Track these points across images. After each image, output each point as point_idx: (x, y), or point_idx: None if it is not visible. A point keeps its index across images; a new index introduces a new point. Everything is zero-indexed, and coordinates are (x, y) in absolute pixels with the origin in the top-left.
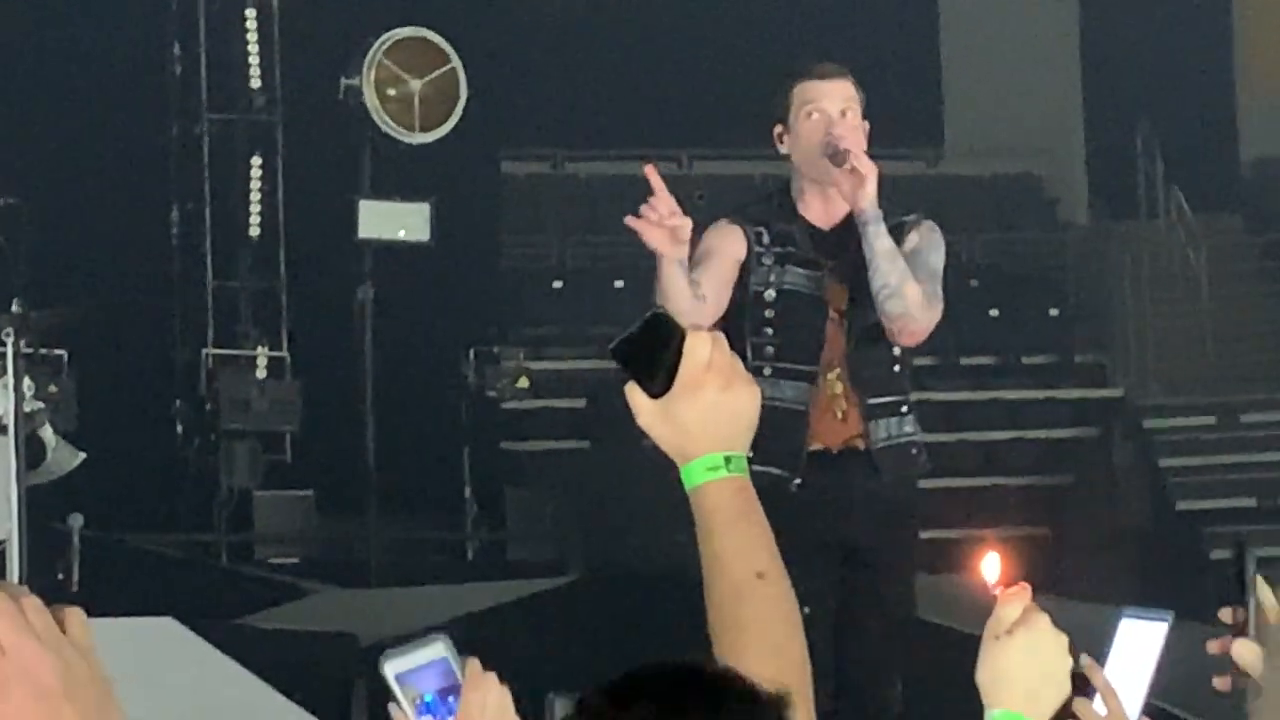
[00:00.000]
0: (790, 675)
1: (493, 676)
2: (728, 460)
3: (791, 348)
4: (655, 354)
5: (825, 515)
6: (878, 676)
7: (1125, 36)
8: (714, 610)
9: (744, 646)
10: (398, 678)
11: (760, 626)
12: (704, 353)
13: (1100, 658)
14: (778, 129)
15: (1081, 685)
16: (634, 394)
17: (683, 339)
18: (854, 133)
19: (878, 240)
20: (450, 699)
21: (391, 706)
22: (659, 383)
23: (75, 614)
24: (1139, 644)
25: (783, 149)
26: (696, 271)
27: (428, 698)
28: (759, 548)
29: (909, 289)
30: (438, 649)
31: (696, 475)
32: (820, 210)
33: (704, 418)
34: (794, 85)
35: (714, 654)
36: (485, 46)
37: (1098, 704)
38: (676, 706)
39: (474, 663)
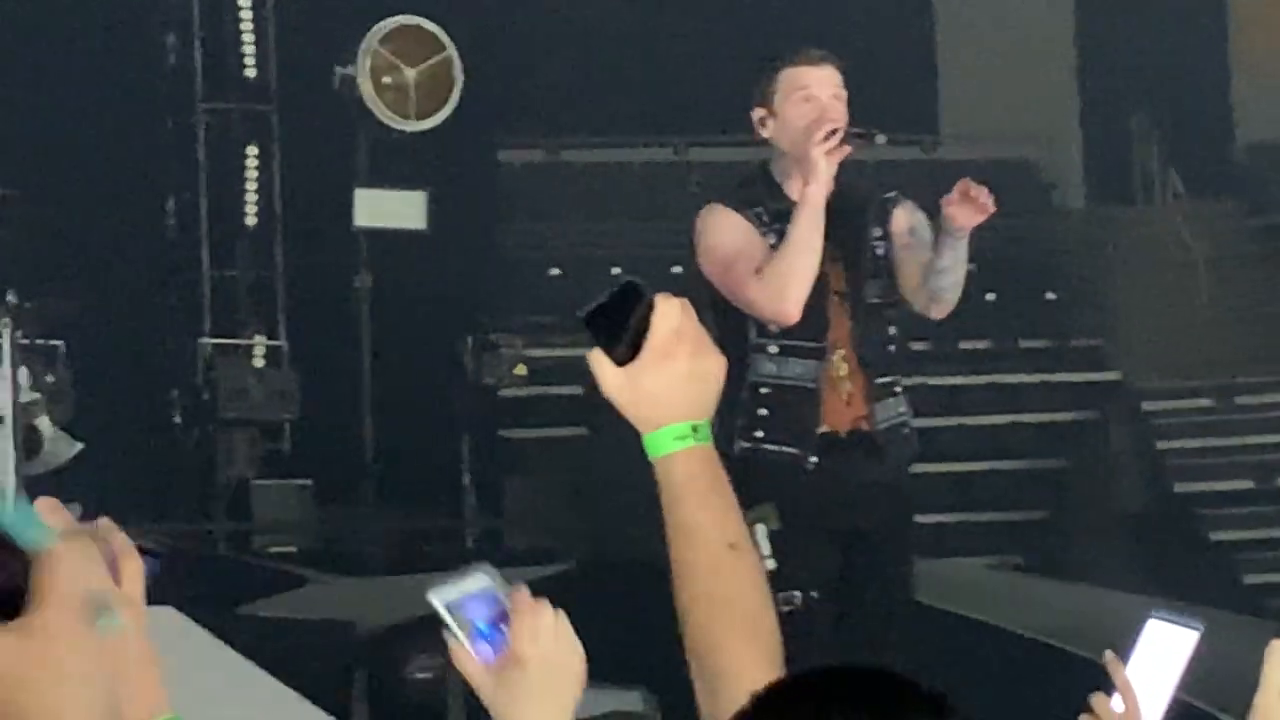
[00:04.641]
0: (767, 645)
1: (543, 604)
2: (695, 429)
3: (797, 325)
4: (623, 321)
5: (834, 501)
6: (877, 658)
7: (1121, 21)
8: (685, 582)
9: (720, 618)
10: (447, 607)
11: (736, 598)
12: (675, 319)
13: (1124, 655)
14: (760, 113)
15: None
16: (599, 362)
17: (651, 307)
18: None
19: (954, 264)
20: (503, 626)
21: (446, 635)
22: (624, 350)
23: (133, 563)
24: (1165, 648)
25: (765, 133)
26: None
27: (481, 626)
28: (730, 519)
29: (962, 271)
30: (482, 580)
31: (664, 444)
32: None
33: (673, 385)
34: (781, 70)
35: (687, 627)
36: (480, 34)
37: (1115, 701)
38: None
39: (521, 590)
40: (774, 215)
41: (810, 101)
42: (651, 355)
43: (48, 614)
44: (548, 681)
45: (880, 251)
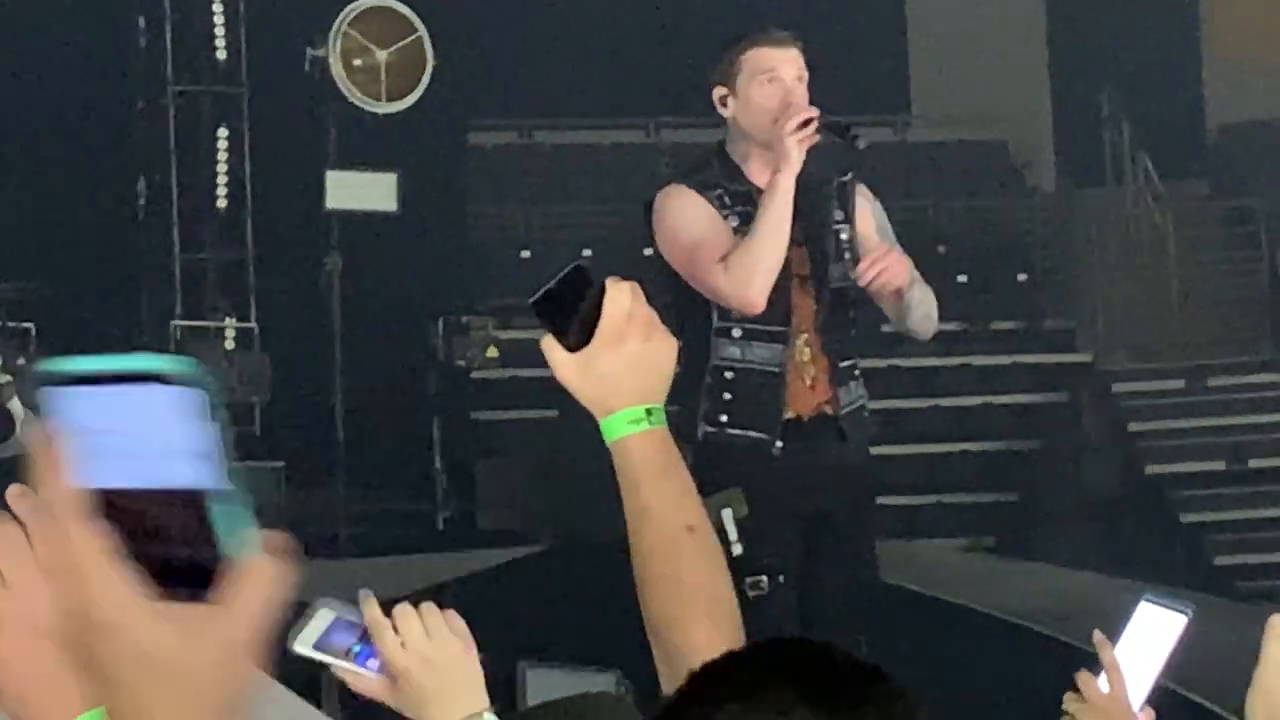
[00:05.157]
0: (727, 626)
1: (400, 609)
2: (649, 413)
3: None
4: (573, 306)
5: (799, 485)
6: (842, 639)
7: (1092, 2)
8: (645, 565)
9: (682, 601)
10: (315, 647)
11: (696, 580)
12: (626, 303)
13: (1114, 636)
14: (720, 92)
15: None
16: (551, 347)
17: (601, 291)
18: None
19: (922, 296)
20: (371, 642)
21: (335, 671)
22: (576, 335)
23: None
24: (1155, 630)
25: (725, 112)
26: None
27: (356, 649)
28: (687, 501)
29: (932, 299)
30: (328, 613)
31: (619, 428)
32: (765, 175)
33: (626, 369)
34: (745, 50)
35: (649, 610)
36: (451, 16)
37: (1101, 680)
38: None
39: (370, 605)
40: (734, 197)
41: (775, 84)
42: (603, 340)
43: (243, 620)
44: (435, 678)
45: (845, 236)
